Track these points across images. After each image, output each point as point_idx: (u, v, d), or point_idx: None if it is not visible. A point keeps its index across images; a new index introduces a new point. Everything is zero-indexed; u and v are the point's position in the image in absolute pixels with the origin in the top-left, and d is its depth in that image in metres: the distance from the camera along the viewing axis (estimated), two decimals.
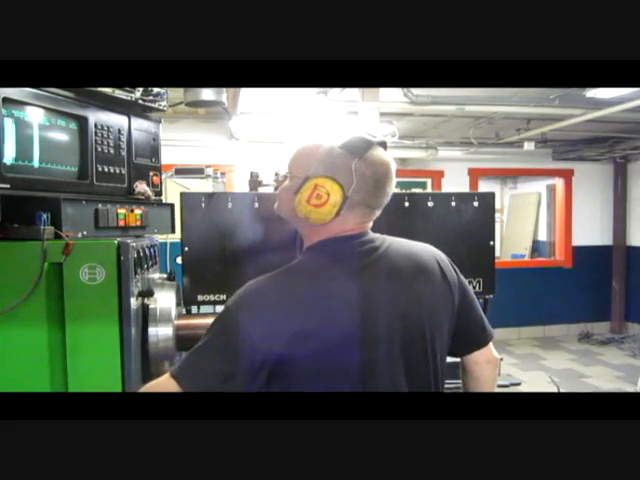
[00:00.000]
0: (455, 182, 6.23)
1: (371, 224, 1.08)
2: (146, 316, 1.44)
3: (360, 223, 1.06)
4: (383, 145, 1.05)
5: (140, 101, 1.61)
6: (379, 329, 1.00)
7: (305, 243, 1.08)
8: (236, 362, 0.93)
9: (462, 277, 1.16)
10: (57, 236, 1.25)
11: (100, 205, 1.41)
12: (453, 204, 1.71)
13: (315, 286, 0.99)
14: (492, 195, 1.78)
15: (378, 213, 1.08)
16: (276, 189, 1.66)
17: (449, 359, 1.75)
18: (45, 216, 1.24)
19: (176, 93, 1.95)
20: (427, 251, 1.12)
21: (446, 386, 1.60)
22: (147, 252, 1.49)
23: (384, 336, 1.00)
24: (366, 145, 1.01)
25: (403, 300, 1.03)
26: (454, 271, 1.14)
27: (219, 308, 1.66)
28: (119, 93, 1.53)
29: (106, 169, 1.52)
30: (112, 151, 1.54)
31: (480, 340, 1.18)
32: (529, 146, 5.67)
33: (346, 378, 0.97)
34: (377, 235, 1.08)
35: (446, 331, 1.10)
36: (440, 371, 1.09)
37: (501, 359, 1.76)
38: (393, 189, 1.07)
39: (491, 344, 1.20)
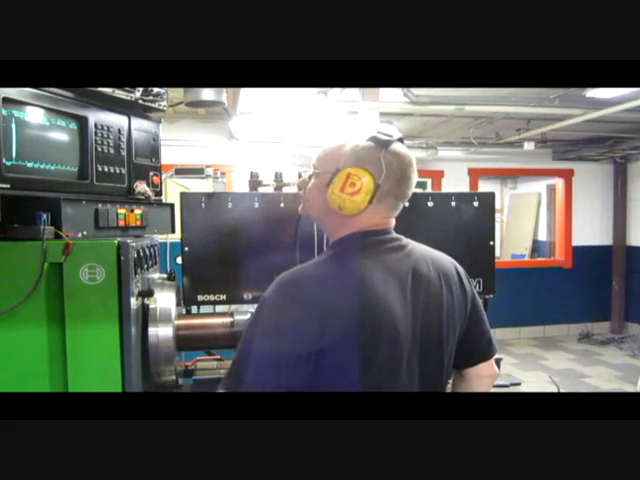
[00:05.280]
0: (455, 182, 6.24)
1: (394, 221, 1.11)
2: (146, 316, 1.44)
3: (387, 217, 1.09)
4: (401, 141, 1.10)
5: (140, 101, 1.61)
6: (406, 325, 1.01)
7: (333, 237, 1.10)
8: (286, 355, 0.93)
9: (474, 289, 1.18)
10: (57, 236, 1.25)
11: (100, 205, 1.41)
12: (453, 204, 1.71)
13: (351, 275, 1.00)
14: (492, 195, 1.78)
15: (401, 207, 1.10)
16: (277, 188, 1.66)
17: None
18: (45, 216, 1.24)
19: (176, 93, 1.95)
20: (446, 258, 1.16)
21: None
22: (147, 252, 1.49)
23: (410, 333, 1.02)
24: (390, 138, 1.05)
25: (427, 301, 1.05)
26: (468, 282, 1.16)
27: (219, 308, 1.66)
28: (119, 93, 1.53)
29: (106, 169, 1.51)
30: (112, 151, 1.54)
31: (486, 353, 1.19)
32: (529, 146, 5.67)
33: (372, 372, 0.98)
34: (399, 234, 1.11)
35: (457, 338, 1.12)
36: (447, 374, 1.11)
37: (501, 359, 1.77)
38: (416, 181, 1.10)
39: (493, 359, 1.21)
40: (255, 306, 1.54)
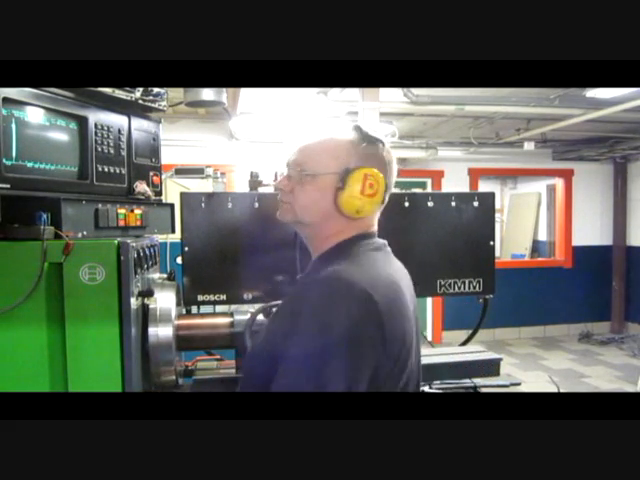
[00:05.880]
0: (455, 182, 6.24)
1: None
2: (146, 316, 1.44)
3: (376, 219, 1.06)
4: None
5: (140, 101, 1.60)
6: (416, 330, 1.01)
7: (327, 242, 1.01)
8: (356, 364, 0.86)
9: None
10: (57, 236, 1.25)
11: (100, 205, 1.41)
12: (453, 204, 1.71)
13: (385, 280, 0.94)
14: (492, 195, 1.78)
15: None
16: (277, 188, 1.66)
17: (449, 359, 1.75)
18: (45, 216, 1.23)
19: (176, 93, 1.95)
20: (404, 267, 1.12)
21: (446, 386, 1.60)
22: (147, 252, 1.49)
23: (416, 339, 1.01)
24: (380, 135, 1.03)
25: (414, 309, 1.05)
26: None
27: (219, 308, 1.66)
28: (119, 93, 1.53)
29: (106, 169, 1.51)
30: (112, 151, 1.54)
31: None
32: (529, 146, 5.68)
33: (402, 383, 0.96)
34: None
35: None
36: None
37: (501, 359, 1.77)
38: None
39: None
40: (255, 306, 1.55)
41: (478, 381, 1.69)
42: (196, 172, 2.50)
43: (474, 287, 1.69)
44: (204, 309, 1.65)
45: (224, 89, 1.93)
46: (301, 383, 0.85)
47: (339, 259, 0.96)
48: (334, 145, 1.01)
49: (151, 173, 1.68)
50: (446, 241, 1.69)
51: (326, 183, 0.98)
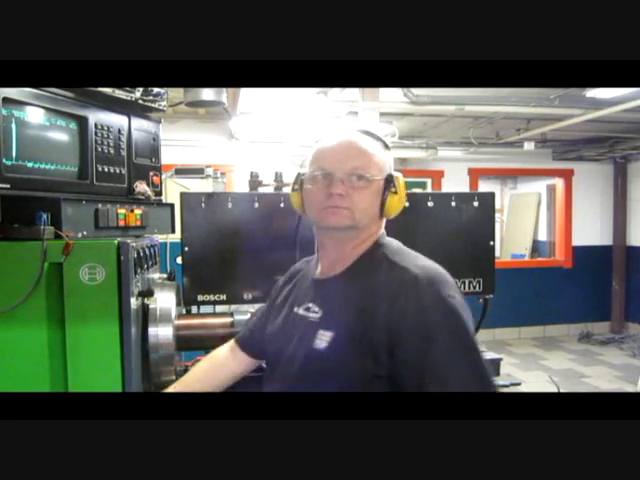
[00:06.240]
0: (455, 182, 6.24)
1: None
2: (146, 316, 1.44)
3: None
4: None
5: (140, 101, 1.61)
6: None
7: (363, 243, 1.08)
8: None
9: None
10: (57, 236, 1.25)
11: (100, 205, 1.41)
12: (453, 204, 1.71)
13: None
14: (492, 195, 1.78)
15: None
16: (277, 188, 1.66)
17: None
18: (45, 216, 1.24)
19: (176, 93, 1.95)
20: None
21: None
22: (147, 252, 1.49)
23: None
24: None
25: None
26: None
27: (219, 308, 1.66)
28: (119, 93, 1.53)
29: (106, 169, 1.51)
30: (112, 151, 1.54)
31: None
32: (529, 146, 5.67)
33: None
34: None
35: None
36: None
37: (501, 359, 1.77)
38: None
39: None
40: (255, 306, 1.55)
41: None
42: (196, 172, 2.50)
43: (474, 287, 1.69)
44: (204, 309, 1.65)
45: (224, 89, 1.93)
46: (465, 381, 0.97)
47: (391, 255, 1.04)
48: (376, 150, 1.08)
49: (151, 173, 1.68)
50: (446, 241, 1.69)
51: (378, 187, 1.05)
